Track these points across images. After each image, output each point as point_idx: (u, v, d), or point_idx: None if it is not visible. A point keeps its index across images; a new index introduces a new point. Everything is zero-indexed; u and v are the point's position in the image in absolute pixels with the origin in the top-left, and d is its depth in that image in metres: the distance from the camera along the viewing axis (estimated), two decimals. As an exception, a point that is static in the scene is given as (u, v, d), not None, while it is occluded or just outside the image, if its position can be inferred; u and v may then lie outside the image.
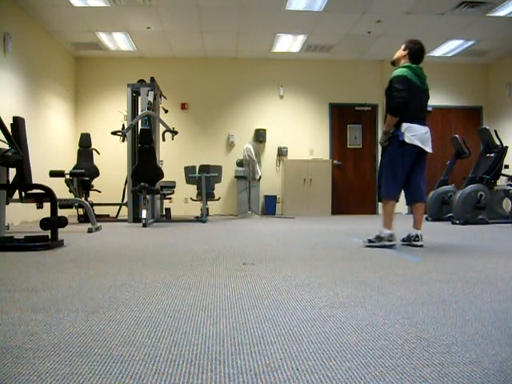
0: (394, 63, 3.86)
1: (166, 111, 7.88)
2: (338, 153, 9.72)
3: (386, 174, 3.75)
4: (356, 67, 9.64)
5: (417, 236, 3.69)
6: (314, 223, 6.72)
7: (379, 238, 3.63)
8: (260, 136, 9.41)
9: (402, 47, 3.82)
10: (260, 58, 9.50)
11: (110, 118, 8.96)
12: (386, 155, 3.77)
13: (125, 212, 7.30)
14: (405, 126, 3.62)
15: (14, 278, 2.36)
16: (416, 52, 3.76)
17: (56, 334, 1.40)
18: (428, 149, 3.68)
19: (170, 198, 8.44)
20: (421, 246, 3.65)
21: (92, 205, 6.61)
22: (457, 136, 7.59)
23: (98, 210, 7.30)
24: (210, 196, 7.90)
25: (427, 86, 3.79)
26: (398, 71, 3.69)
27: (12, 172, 4.44)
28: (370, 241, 3.67)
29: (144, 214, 6.07)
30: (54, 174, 6.27)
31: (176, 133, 6.66)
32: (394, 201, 3.72)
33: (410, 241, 3.72)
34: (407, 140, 3.59)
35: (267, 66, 9.57)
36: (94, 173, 7.43)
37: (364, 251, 3.47)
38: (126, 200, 7.18)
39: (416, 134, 3.62)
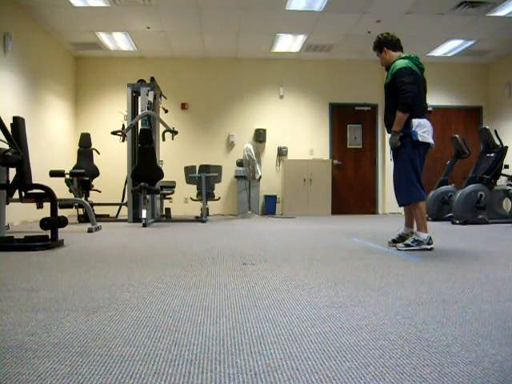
0: (388, 67, 3.67)
1: (166, 111, 7.88)
2: (338, 153, 9.72)
3: (407, 177, 3.49)
4: (356, 67, 9.65)
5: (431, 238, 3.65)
6: (314, 223, 6.72)
7: (418, 242, 3.45)
8: (260, 136, 9.42)
9: (378, 53, 3.72)
10: (260, 57, 9.50)
11: (109, 117, 8.96)
12: (403, 158, 3.51)
13: (125, 212, 7.30)
14: (415, 122, 3.44)
15: (14, 278, 2.36)
16: (392, 40, 3.65)
17: (56, 334, 1.40)
18: (433, 143, 3.57)
19: (170, 198, 8.44)
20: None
21: (92, 205, 6.61)
22: (457, 136, 7.59)
23: (98, 210, 7.30)
24: (210, 196, 7.90)
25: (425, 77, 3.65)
26: (401, 63, 3.48)
27: (12, 172, 4.44)
28: (407, 245, 3.47)
29: (144, 213, 6.07)
30: (53, 173, 6.27)
31: (176, 133, 6.66)
32: (424, 201, 3.55)
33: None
34: (421, 139, 3.44)
35: (267, 66, 9.57)
36: (94, 173, 7.43)
37: (364, 251, 3.46)
38: (125, 200, 7.19)
39: (427, 130, 3.48)
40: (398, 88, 3.45)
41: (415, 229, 3.56)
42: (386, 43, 3.67)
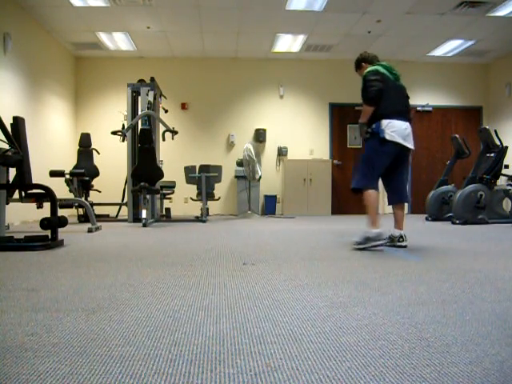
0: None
1: (166, 111, 7.88)
2: (337, 153, 9.73)
3: (362, 166, 3.62)
4: (356, 67, 9.63)
5: (401, 236, 3.61)
6: (314, 223, 6.72)
7: (366, 239, 3.46)
8: (260, 136, 9.42)
9: (358, 70, 3.92)
10: (260, 57, 9.50)
11: (109, 118, 8.96)
12: (367, 150, 3.64)
13: (125, 212, 7.30)
14: (385, 122, 3.51)
15: (14, 278, 2.36)
16: (369, 57, 3.85)
17: (56, 334, 1.40)
18: (410, 145, 3.56)
19: (170, 198, 8.44)
20: (405, 246, 3.58)
21: (92, 205, 6.61)
22: (457, 136, 7.58)
23: (98, 210, 7.30)
24: (210, 196, 7.90)
25: (403, 84, 3.74)
26: (369, 68, 3.70)
27: (12, 172, 4.44)
28: (357, 243, 3.49)
29: (144, 213, 6.07)
30: (53, 173, 6.26)
31: (176, 133, 6.66)
32: (374, 190, 3.53)
33: (394, 242, 3.64)
34: (388, 137, 3.49)
35: (267, 65, 9.57)
36: (94, 173, 7.44)
37: (364, 251, 3.46)
38: (125, 200, 7.19)
39: (396, 130, 3.50)
40: (364, 87, 3.61)
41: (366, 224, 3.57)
42: (364, 59, 3.87)
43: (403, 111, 3.63)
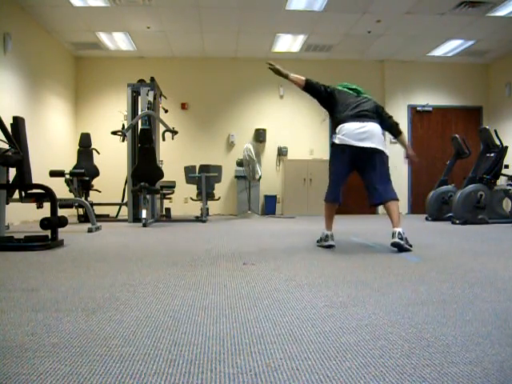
0: None
1: (166, 111, 7.88)
2: (338, 153, 9.72)
3: (328, 177, 3.82)
4: (356, 67, 9.64)
5: (393, 234, 3.37)
6: (314, 223, 6.71)
7: (320, 239, 3.76)
8: (260, 136, 9.42)
9: None
10: (260, 57, 9.49)
11: (110, 118, 8.96)
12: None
13: (125, 212, 7.30)
14: (338, 128, 3.63)
15: (14, 278, 2.36)
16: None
17: (56, 334, 1.40)
18: (364, 144, 3.48)
19: (170, 198, 8.44)
20: (396, 244, 3.32)
21: (92, 205, 6.61)
22: (457, 136, 7.58)
23: (98, 210, 7.30)
24: (210, 196, 7.90)
25: (366, 95, 3.86)
26: None
27: (12, 172, 4.44)
28: (317, 241, 3.81)
29: (144, 213, 6.07)
30: (53, 173, 6.26)
31: (176, 132, 6.66)
32: (329, 203, 3.77)
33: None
34: (337, 141, 3.58)
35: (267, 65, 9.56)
36: (94, 173, 7.44)
37: (364, 251, 3.46)
38: (126, 200, 7.19)
39: (346, 133, 3.53)
40: None
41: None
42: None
43: (360, 114, 3.61)
